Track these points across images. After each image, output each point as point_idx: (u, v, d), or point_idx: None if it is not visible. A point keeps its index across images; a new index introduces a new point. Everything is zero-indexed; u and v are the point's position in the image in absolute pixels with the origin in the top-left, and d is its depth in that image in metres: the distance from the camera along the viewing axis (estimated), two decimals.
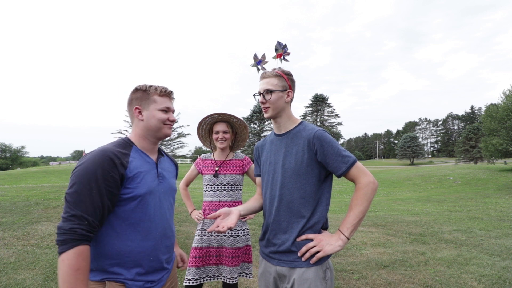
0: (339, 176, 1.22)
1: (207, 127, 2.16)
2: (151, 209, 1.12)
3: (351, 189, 19.18)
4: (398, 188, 18.95)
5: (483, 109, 51.81)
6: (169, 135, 1.25)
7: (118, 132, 37.99)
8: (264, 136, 44.34)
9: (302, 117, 48.53)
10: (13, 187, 10.67)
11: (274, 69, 1.37)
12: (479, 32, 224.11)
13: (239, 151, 2.43)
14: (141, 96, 1.19)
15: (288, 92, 1.33)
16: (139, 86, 1.20)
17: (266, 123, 44.78)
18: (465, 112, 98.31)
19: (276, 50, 1.48)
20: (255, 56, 1.51)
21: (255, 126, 44.69)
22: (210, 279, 1.99)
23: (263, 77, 1.35)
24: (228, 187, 2.07)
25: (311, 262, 1.17)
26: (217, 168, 2.09)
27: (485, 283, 3.02)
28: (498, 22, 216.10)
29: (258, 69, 1.49)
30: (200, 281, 1.94)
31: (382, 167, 48.55)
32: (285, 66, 1.46)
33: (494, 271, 3.31)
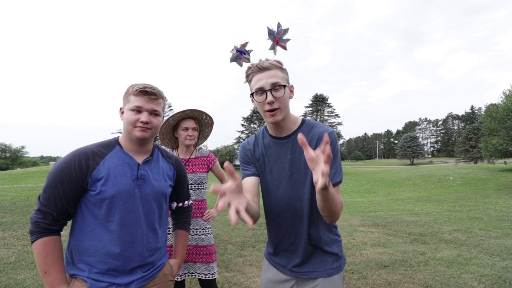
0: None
1: (173, 122, 2.04)
2: (120, 212, 1.08)
3: (351, 189, 19.18)
4: (398, 188, 18.94)
5: (483, 109, 51.76)
6: (143, 138, 1.14)
7: (118, 132, 38.06)
8: None
9: (301, 117, 48.34)
10: (13, 187, 10.66)
11: (265, 60, 1.09)
12: (479, 32, 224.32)
13: (203, 147, 2.40)
14: (123, 96, 1.17)
15: (291, 87, 1.12)
16: (128, 86, 1.18)
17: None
18: (465, 112, 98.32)
19: (270, 36, 1.23)
20: (239, 49, 1.24)
21: (255, 126, 44.66)
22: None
23: (263, 68, 1.05)
24: (194, 186, 2.03)
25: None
26: None
27: (485, 283, 3.02)
28: (498, 22, 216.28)
29: (242, 62, 1.22)
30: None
31: (382, 167, 48.53)
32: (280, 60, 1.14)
33: (494, 271, 3.31)
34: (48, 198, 1.02)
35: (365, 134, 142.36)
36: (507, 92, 19.55)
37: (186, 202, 1.44)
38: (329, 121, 46.79)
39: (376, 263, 3.64)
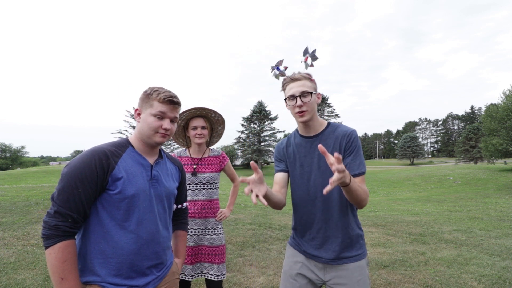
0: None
1: (182, 122, 2.05)
2: (138, 212, 1.10)
3: None
4: (398, 188, 18.94)
5: (483, 109, 51.75)
6: (160, 144, 1.19)
7: (118, 132, 38.07)
8: (264, 136, 44.26)
9: (328, 121, 48.42)
10: (13, 187, 10.66)
11: (297, 73, 1.35)
12: (480, 32, 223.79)
13: (215, 147, 2.39)
14: (143, 98, 1.17)
15: (318, 94, 1.36)
16: (148, 88, 1.18)
17: (266, 123, 44.68)
18: (465, 112, 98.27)
19: (304, 54, 1.53)
20: (276, 66, 1.54)
21: (255, 126, 44.63)
22: (184, 277, 1.94)
23: (294, 79, 1.31)
24: (207, 186, 2.02)
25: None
26: (195, 166, 2.01)
27: (485, 283, 3.02)
28: (499, 22, 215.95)
29: (278, 76, 1.50)
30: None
31: (382, 167, 48.51)
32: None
33: (494, 271, 3.31)
34: (67, 200, 0.99)
35: (365, 134, 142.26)
36: (507, 92, 19.55)
37: (184, 204, 1.48)
38: (329, 121, 46.75)
39: (376, 263, 3.64)
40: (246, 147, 43.48)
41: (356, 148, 1.26)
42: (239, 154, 47.01)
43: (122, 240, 1.06)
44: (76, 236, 1.07)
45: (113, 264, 1.05)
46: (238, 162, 50.56)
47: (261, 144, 43.81)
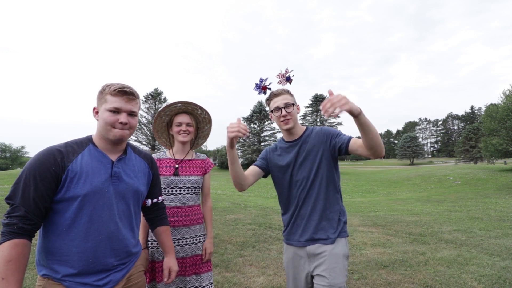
0: (345, 149, 1.43)
1: (166, 118, 1.88)
2: (94, 210, 1.09)
3: (351, 189, 19.18)
4: (398, 188, 18.93)
5: (483, 109, 51.80)
6: (121, 139, 1.17)
7: None
8: (264, 136, 44.32)
9: (302, 117, 48.49)
10: None
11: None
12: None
13: (203, 147, 2.17)
14: (98, 95, 1.18)
15: (297, 106, 1.61)
16: (102, 85, 1.19)
17: (266, 123, 44.73)
18: (465, 112, 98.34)
19: (279, 77, 1.71)
20: (259, 84, 1.69)
21: (255, 126, 44.64)
22: None
23: (278, 94, 1.56)
24: (191, 190, 1.81)
25: (335, 112, 1.12)
26: (177, 166, 1.81)
27: (485, 283, 3.02)
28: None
29: (265, 92, 1.67)
30: None
31: (382, 167, 48.51)
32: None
33: (494, 271, 3.31)
34: (19, 197, 0.99)
35: None
36: (507, 92, 19.56)
37: (160, 198, 1.45)
38: (329, 121, 46.76)
39: (376, 263, 3.64)
40: (246, 147, 43.50)
41: (336, 132, 1.54)
42: (239, 154, 47.02)
43: (76, 238, 1.07)
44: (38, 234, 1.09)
45: (69, 262, 1.06)
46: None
47: (261, 144, 43.83)
